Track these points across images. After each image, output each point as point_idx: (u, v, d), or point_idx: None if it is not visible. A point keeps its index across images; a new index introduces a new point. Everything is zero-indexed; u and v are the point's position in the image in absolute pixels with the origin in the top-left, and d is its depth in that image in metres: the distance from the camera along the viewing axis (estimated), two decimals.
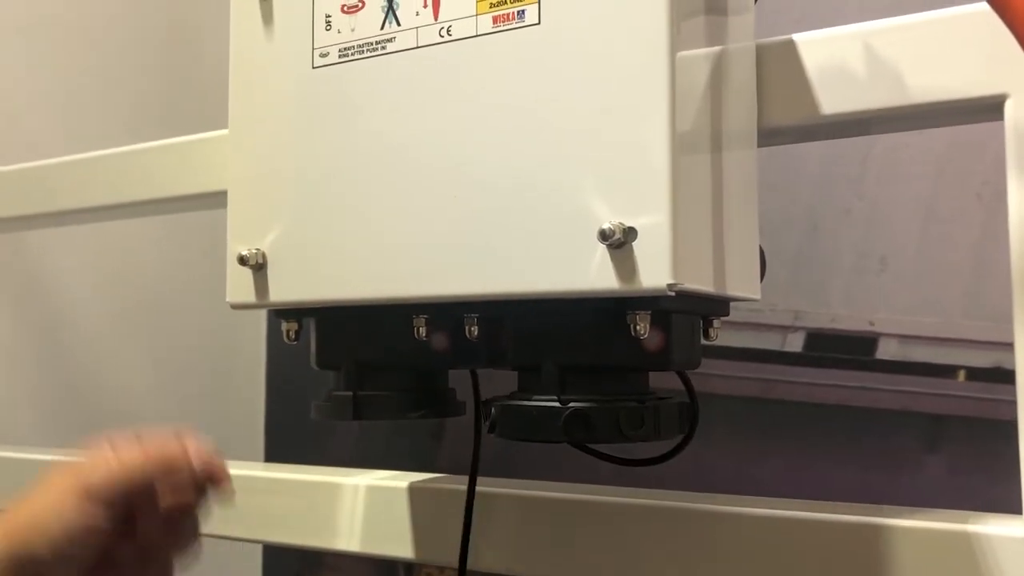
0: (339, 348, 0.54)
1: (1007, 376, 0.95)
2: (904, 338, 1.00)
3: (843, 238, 1.04)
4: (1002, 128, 0.51)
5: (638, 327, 0.44)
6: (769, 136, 0.55)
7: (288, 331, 0.55)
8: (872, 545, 0.50)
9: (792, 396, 1.03)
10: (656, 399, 0.48)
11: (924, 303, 0.99)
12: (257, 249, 0.53)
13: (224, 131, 0.57)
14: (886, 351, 1.01)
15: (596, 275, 0.44)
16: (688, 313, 0.49)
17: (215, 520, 0.74)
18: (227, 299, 0.55)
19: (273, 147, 0.54)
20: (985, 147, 0.97)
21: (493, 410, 0.48)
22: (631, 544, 0.56)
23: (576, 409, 0.45)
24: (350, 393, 0.53)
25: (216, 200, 0.73)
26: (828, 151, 1.04)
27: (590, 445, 0.59)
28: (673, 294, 0.43)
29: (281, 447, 1.21)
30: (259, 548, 1.12)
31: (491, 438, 0.62)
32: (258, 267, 0.53)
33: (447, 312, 0.50)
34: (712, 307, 0.51)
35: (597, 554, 0.57)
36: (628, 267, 0.43)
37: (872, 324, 1.01)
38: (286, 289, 0.53)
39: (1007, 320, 1.04)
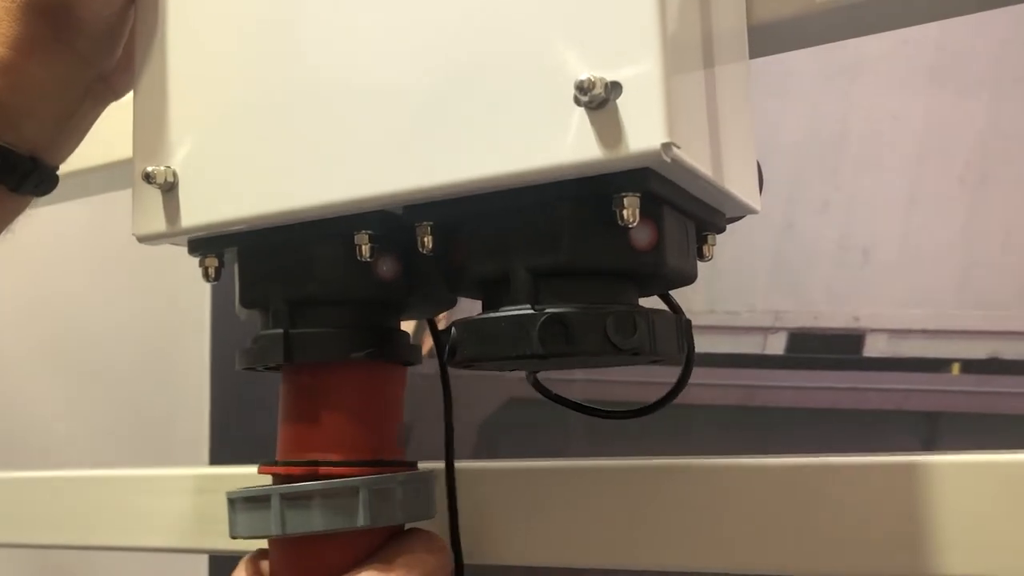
0: (267, 280, 0.45)
1: (1005, 367, 0.89)
2: (892, 333, 0.95)
3: (822, 232, 0.99)
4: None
5: (625, 212, 0.36)
6: (761, 39, 0.49)
7: (208, 268, 0.47)
8: (917, 485, 0.42)
9: (776, 402, 0.97)
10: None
11: (911, 295, 0.94)
12: (167, 167, 0.45)
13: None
14: (874, 348, 0.95)
15: (573, 145, 0.36)
16: (681, 212, 0.41)
17: (154, 532, 0.65)
18: (132, 231, 0.47)
19: (183, 48, 0.45)
20: (965, 129, 0.93)
21: (454, 330, 0.40)
22: (653, 509, 0.48)
23: (554, 314, 0.37)
24: (280, 331, 0.44)
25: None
26: (802, 143, 0.99)
27: (573, 404, 0.51)
28: (668, 160, 0.35)
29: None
30: (204, 561, 1.01)
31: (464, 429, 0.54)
32: (168, 187, 0.45)
33: (394, 223, 0.42)
34: (707, 214, 0.43)
35: (612, 525, 0.49)
36: (612, 130, 0.35)
37: (857, 320, 0.96)
38: (202, 210, 0.44)
39: (1001, 307, 0.98)
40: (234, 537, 0.45)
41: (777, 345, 1.01)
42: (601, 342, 0.37)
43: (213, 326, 1.04)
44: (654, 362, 0.43)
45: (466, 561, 0.51)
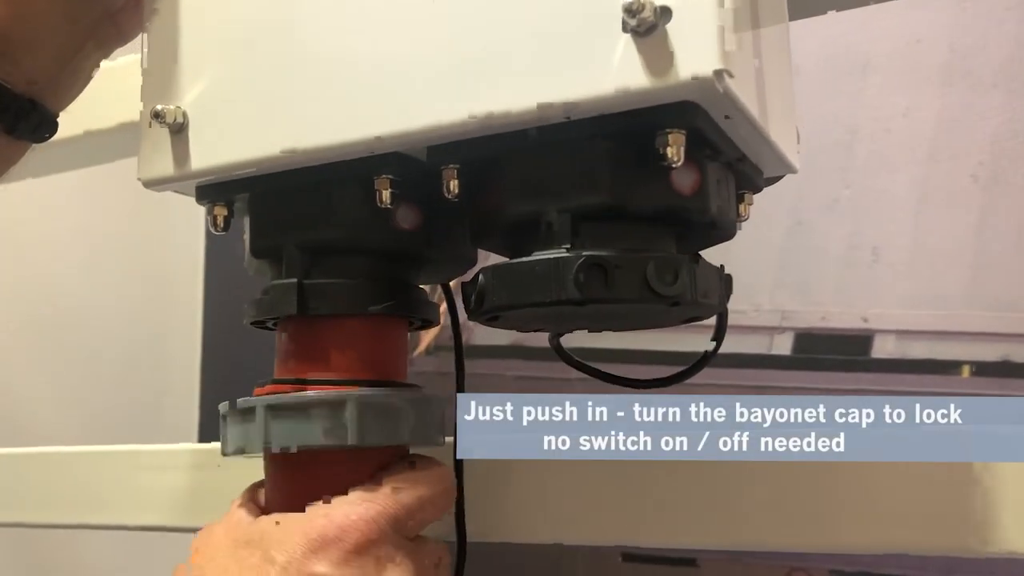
0: (280, 227, 0.43)
1: (1016, 370, 0.87)
2: (901, 334, 0.93)
3: (831, 230, 0.97)
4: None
5: (670, 150, 0.34)
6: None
7: (217, 217, 0.44)
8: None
9: None
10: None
11: (921, 295, 0.92)
12: (176, 106, 0.42)
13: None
14: (882, 349, 0.93)
15: (618, 73, 0.34)
16: (723, 160, 0.39)
17: (143, 512, 0.62)
18: (138, 176, 0.44)
19: None
20: (978, 128, 0.91)
21: (481, 277, 0.37)
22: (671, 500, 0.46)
23: (592, 256, 0.35)
24: (294, 280, 0.41)
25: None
26: (812, 140, 0.98)
27: (592, 372, 0.48)
28: (721, 89, 0.33)
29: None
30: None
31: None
32: (177, 128, 0.42)
33: (416, 169, 0.40)
34: (747, 169, 0.41)
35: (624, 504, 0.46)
36: (660, 58, 0.33)
37: (866, 321, 0.94)
38: (213, 152, 0.42)
39: (1012, 309, 0.97)
40: (225, 455, 0.42)
41: (784, 345, 0.99)
42: (641, 288, 0.34)
43: (205, 310, 1.01)
44: (688, 320, 0.40)
45: (470, 539, 0.49)
